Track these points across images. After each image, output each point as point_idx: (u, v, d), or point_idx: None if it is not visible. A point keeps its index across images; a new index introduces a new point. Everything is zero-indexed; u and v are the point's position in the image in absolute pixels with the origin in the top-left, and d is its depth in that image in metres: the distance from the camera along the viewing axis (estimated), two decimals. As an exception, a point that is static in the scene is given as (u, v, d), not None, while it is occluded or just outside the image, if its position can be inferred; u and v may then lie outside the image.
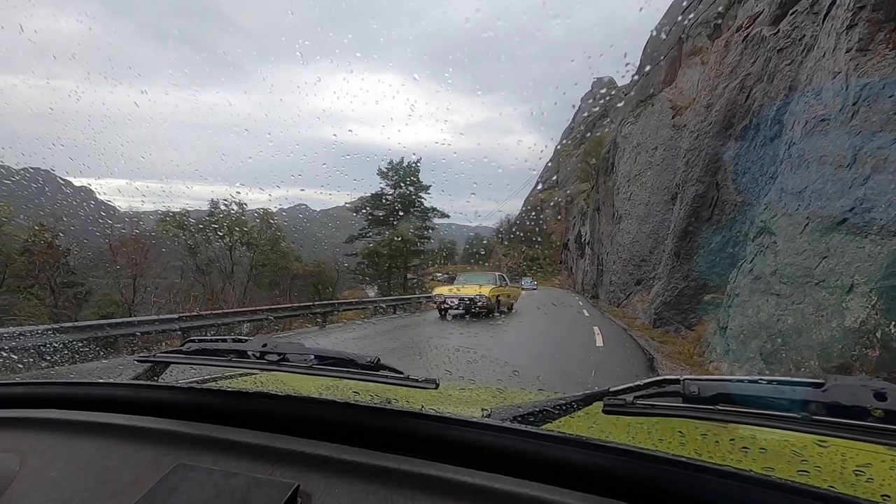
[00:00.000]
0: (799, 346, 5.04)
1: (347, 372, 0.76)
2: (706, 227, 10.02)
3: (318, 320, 12.50)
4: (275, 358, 0.80)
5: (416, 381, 0.72)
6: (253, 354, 0.83)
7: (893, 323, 4.07)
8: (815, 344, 4.78)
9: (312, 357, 0.79)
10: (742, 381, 0.63)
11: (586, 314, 17.24)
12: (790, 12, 7.73)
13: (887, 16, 4.84)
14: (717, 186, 9.77)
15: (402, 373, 0.74)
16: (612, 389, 0.68)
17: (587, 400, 0.71)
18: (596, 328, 11.83)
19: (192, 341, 0.92)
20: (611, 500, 0.52)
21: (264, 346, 0.83)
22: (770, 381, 0.61)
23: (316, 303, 13.82)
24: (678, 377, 0.65)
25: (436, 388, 0.71)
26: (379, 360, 0.76)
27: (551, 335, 11.41)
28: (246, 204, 32.72)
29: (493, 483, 0.55)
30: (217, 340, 0.93)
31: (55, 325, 6.36)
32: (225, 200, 32.09)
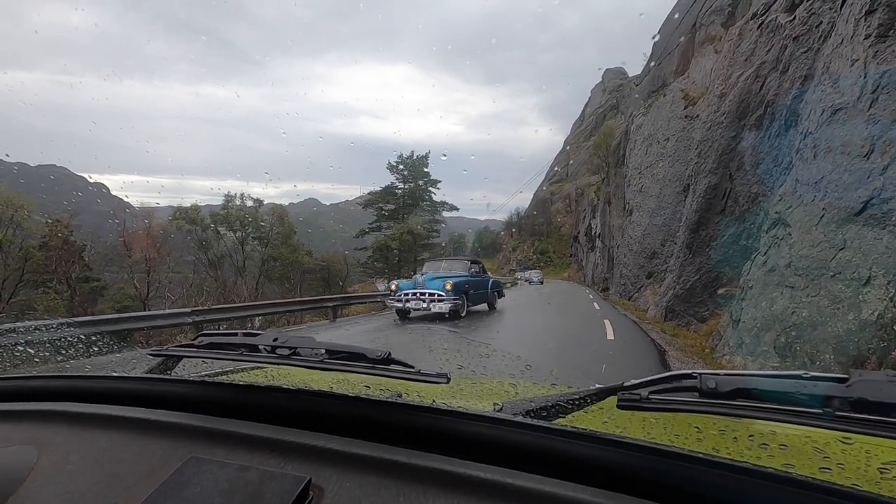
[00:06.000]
0: (814, 340, 4.97)
1: (358, 366, 0.76)
2: (719, 219, 9.88)
3: (330, 314, 12.70)
4: (286, 352, 0.80)
5: (428, 375, 0.71)
6: (264, 348, 0.83)
7: (912, 316, 3.99)
8: (831, 337, 4.71)
9: (323, 351, 0.79)
10: (761, 375, 0.61)
11: (597, 307, 17.15)
12: (807, -2, 7.55)
13: (908, 0, 4.71)
14: (730, 178, 9.62)
15: (413, 367, 0.74)
16: (626, 384, 0.66)
17: (600, 395, 0.70)
18: (607, 321, 11.76)
19: (205, 335, 0.93)
20: (626, 496, 0.51)
21: (275, 340, 0.83)
22: (790, 376, 0.59)
23: (326, 297, 13.98)
24: (694, 372, 0.64)
25: (447, 382, 0.70)
26: (390, 354, 0.76)
27: (563, 328, 11.37)
28: (262, 200, 33.30)
29: (505, 478, 0.54)
30: (228, 335, 0.93)
31: (71, 320, 6.50)
32: (237, 195, 32.64)
